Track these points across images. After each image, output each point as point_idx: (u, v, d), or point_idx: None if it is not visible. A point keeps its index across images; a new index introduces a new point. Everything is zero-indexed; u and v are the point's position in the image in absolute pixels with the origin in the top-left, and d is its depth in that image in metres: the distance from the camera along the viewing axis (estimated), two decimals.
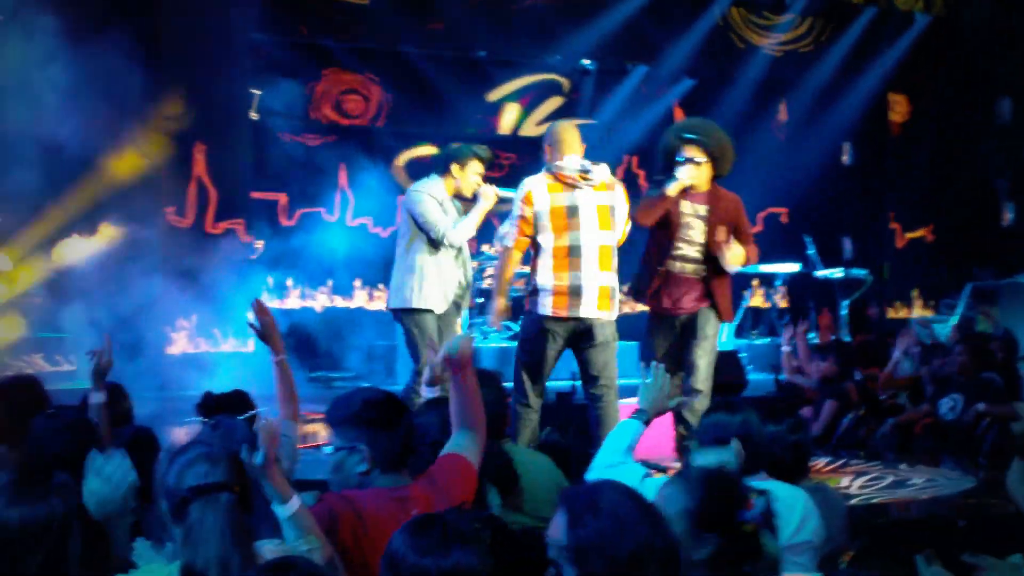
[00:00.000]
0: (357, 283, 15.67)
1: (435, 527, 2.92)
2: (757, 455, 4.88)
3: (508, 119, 17.35)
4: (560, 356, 7.96)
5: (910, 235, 18.97)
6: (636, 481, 4.48)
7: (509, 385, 10.70)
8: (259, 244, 14.00)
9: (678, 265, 7.90)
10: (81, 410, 5.20)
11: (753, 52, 17.91)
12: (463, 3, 16.01)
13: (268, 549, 3.56)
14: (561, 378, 12.00)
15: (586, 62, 17.38)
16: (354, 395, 4.44)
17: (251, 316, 5.25)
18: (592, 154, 16.68)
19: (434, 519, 2.95)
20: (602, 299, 7.80)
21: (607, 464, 4.98)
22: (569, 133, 8.02)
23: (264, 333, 5.23)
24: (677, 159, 7.86)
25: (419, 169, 16.27)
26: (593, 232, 7.78)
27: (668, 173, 7.93)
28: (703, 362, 7.86)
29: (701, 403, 7.60)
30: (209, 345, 13.33)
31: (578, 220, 7.76)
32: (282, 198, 15.33)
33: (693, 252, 7.90)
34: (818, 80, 18.00)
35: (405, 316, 8.61)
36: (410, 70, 16.25)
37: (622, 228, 7.94)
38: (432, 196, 8.52)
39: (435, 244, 8.52)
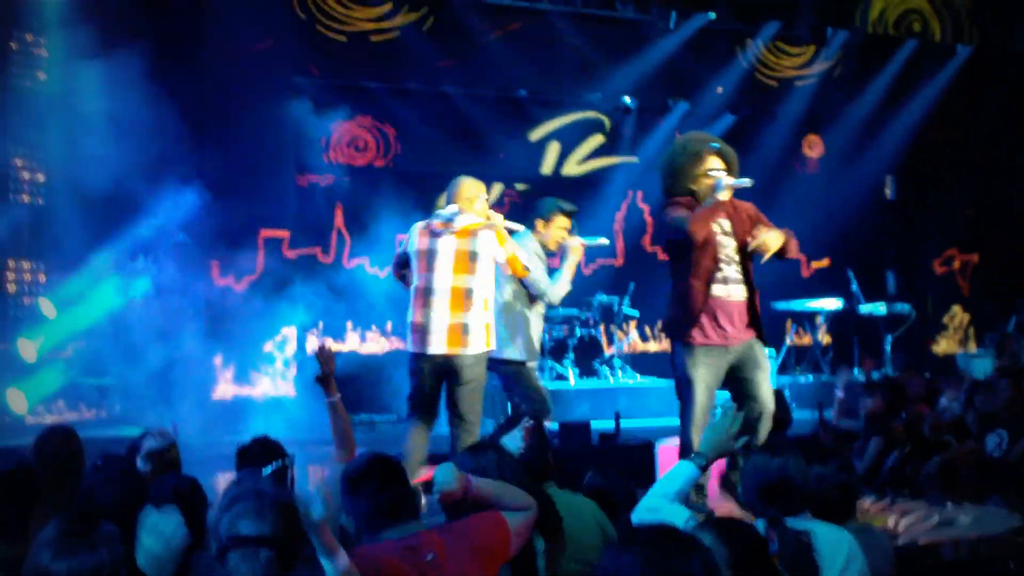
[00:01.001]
0: (349, 324, 15.62)
1: None
2: (801, 496, 4.89)
3: (550, 158, 17.37)
4: (438, 392, 8.32)
5: (953, 265, 18.92)
6: (680, 524, 4.49)
7: (554, 427, 10.83)
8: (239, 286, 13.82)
9: (722, 289, 7.66)
10: (129, 459, 5.24)
11: (792, 87, 17.92)
12: (504, 43, 16.10)
13: None
14: (605, 417, 12.07)
15: (627, 99, 17.39)
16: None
17: (319, 357, 5.36)
18: (633, 191, 16.76)
19: None
20: (452, 336, 8.13)
21: (651, 507, 4.98)
22: (459, 186, 8.56)
23: (324, 377, 5.32)
24: (709, 172, 7.64)
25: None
26: (446, 275, 8.18)
27: (678, 190, 7.76)
28: (770, 391, 7.78)
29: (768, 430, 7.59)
30: (251, 389, 13.35)
31: (434, 263, 8.20)
32: (286, 237, 15.06)
33: (734, 272, 7.69)
34: (859, 114, 17.97)
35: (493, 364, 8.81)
36: (451, 110, 16.27)
37: (484, 271, 8.23)
38: (533, 252, 8.85)
39: (532, 298, 8.87)
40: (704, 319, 7.59)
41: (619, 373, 14.80)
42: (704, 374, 7.59)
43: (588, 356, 14.67)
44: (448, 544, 4.38)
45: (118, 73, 11.51)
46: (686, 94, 17.59)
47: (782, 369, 15.51)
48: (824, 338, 16.45)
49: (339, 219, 15.88)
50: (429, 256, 8.24)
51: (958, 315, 18.36)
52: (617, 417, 11.54)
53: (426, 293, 8.21)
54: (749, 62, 17.69)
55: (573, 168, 17.55)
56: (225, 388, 13.26)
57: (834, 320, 16.38)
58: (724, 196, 7.53)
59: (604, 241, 9.44)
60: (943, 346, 18.42)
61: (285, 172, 14.56)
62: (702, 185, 7.67)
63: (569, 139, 17.55)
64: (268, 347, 13.42)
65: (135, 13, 12.32)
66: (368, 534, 4.43)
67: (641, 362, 15.70)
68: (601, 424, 11.68)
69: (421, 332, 8.17)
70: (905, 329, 16.03)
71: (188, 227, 12.72)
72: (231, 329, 12.85)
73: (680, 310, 7.68)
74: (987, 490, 9.40)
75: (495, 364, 8.79)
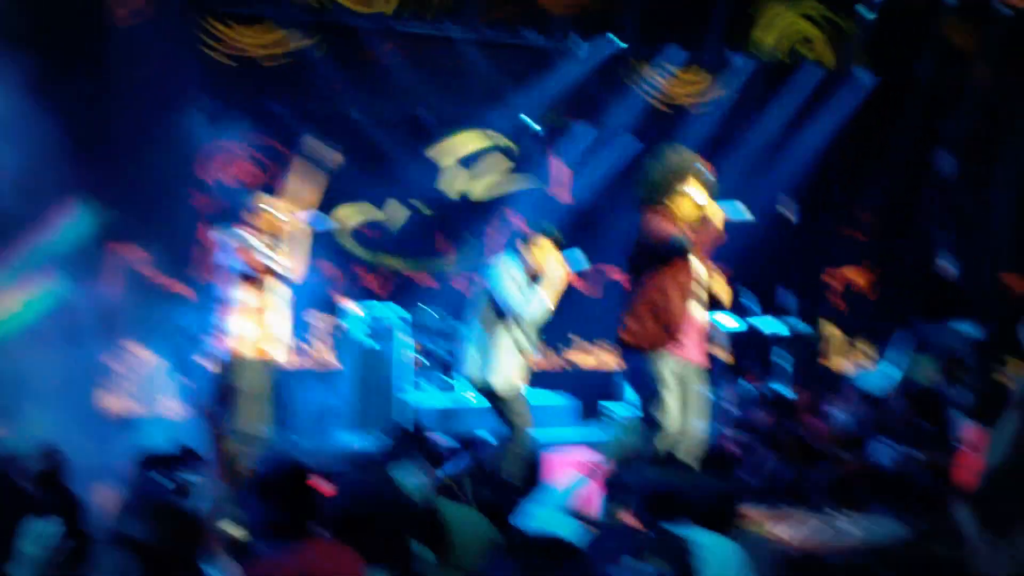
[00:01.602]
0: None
1: None
2: (685, 505, 4.98)
3: (455, 181, 17.41)
4: None
5: (849, 280, 19.18)
6: (565, 535, 4.56)
7: (449, 439, 10.84)
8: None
9: (694, 307, 7.84)
10: (9, 473, 5.22)
11: (694, 112, 18.08)
12: (410, 67, 16.12)
13: None
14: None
15: (532, 124, 17.48)
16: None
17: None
18: (537, 214, 16.86)
19: None
20: None
21: (538, 520, 5.05)
22: None
23: (209, 414, 5.30)
24: (687, 190, 7.86)
25: (360, 228, 16.38)
26: None
27: (656, 201, 7.87)
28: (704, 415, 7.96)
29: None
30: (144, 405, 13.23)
31: None
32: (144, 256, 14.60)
33: (701, 292, 7.93)
34: (762, 137, 18.15)
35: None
36: (355, 132, 16.25)
37: (231, 283, 8.61)
38: (510, 274, 8.99)
39: (508, 318, 9.01)
40: (678, 332, 7.69)
41: None
42: (673, 383, 7.67)
43: None
44: (335, 552, 4.42)
45: (6, 85, 11.43)
46: (591, 118, 17.70)
47: None
48: (720, 354, 16.58)
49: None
50: None
51: (831, 332, 18.56)
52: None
53: None
54: (653, 87, 17.82)
55: (479, 191, 17.61)
56: (105, 402, 13.14)
57: (730, 337, 16.51)
58: (719, 222, 7.79)
59: (586, 265, 9.58)
60: (835, 363, 18.69)
61: (178, 191, 14.44)
62: (681, 203, 7.85)
63: (474, 163, 17.62)
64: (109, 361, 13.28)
65: (28, 25, 12.19)
66: (266, 543, 4.40)
67: (537, 377, 15.73)
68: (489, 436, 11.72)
69: None
70: (801, 346, 16.25)
71: (74, 242, 12.60)
72: (105, 343, 12.76)
73: (657, 325, 7.70)
74: (876, 501, 9.57)
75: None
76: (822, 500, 9.65)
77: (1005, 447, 4.00)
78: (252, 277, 8.46)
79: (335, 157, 9.14)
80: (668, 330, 7.67)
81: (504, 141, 17.76)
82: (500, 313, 9.00)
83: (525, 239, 9.16)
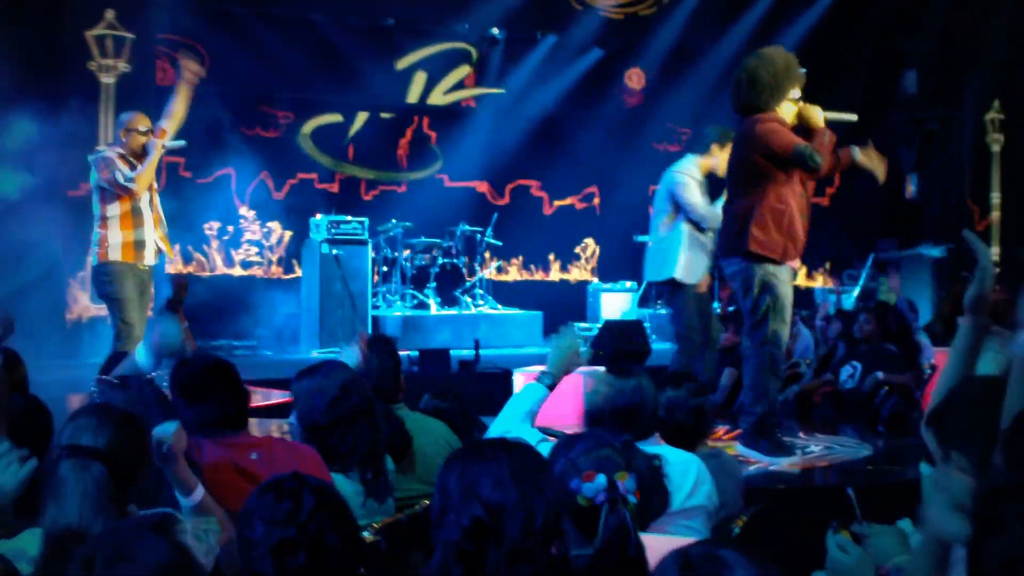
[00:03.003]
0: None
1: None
2: (652, 420, 4.87)
3: (416, 88, 17.26)
4: None
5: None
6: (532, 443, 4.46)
7: (414, 353, 10.82)
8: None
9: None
10: None
11: (661, 24, 17.92)
12: None
13: None
14: (465, 346, 12.10)
15: (495, 31, 17.29)
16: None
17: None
18: (500, 124, 16.71)
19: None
20: None
21: (503, 430, 4.94)
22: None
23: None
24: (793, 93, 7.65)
25: (323, 136, 16.23)
26: None
27: (769, 107, 7.60)
28: None
29: None
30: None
31: None
32: None
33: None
34: (728, 52, 17.99)
35: (670, 288, 9.21)
36: (317, 37, 16.03)
37: (97, 194, 8.60)
38: (692, 177, 9.06)
39: (694, 222, 9.05)
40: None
41: (480, 302, 14.81)
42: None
43: (450, 285, 14.67)
44: (275, 446, 4.31)
45: None
46: (554, 27, 17.52)
47: (643, 302, 15.62)
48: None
49: None
50: None
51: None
52: (476, 345, 11.55)
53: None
54: None
55: (439, 98, 17.45)
56: (78, 309, 12.99)
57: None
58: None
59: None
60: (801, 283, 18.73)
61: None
62: (784, 108, 7.57)
63: (436, 69, 17.45)
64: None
65: None
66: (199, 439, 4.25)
67: (502, 292, 15.74)
68: (461, 352, 11.70)
69: None
70: None
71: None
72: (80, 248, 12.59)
73: (782, 235, 7.47)
74: (839, 420, 9.56)
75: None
76: (788, 419, 9.62)
77: (956, 362, 3.89)
78: (112, 192, 8.44)
79: (199, 71, 8.94)
80: (793, 241, 7.51)
81: (468, 47, 17.59)
82: (686, 215, 9.05)
83: (705, 144, 9.15)
